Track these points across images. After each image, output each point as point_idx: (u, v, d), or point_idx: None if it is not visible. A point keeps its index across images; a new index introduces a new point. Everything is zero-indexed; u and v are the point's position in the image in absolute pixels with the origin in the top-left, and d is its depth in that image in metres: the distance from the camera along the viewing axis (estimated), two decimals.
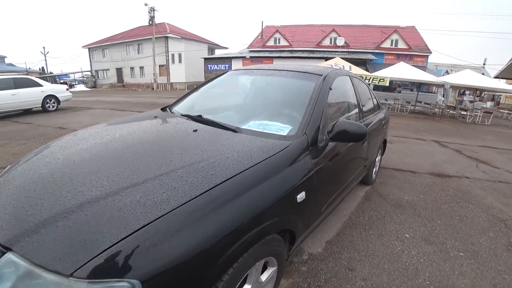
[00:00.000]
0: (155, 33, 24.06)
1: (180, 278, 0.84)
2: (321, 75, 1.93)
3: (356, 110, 2.36)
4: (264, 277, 1.32)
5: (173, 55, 26.59)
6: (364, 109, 2.57)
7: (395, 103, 13.34)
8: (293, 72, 2.09)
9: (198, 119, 1.73)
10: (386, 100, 14.13)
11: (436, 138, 6.77)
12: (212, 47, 30.64)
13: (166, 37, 25.86)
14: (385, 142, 3.44)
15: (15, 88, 7.60)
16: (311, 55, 20.40)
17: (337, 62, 13.09)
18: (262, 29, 24.57)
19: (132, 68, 29.45)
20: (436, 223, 2.49)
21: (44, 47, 36.15)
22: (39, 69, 35.90)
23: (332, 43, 22.14)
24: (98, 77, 32.27)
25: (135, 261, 0.76)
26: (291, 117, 1.68)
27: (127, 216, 0.86)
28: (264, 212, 1.10)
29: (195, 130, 1.53)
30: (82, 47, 32.83)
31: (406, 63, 14.41)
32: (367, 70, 16.82)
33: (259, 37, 24.29)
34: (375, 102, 3.10)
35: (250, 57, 21.25)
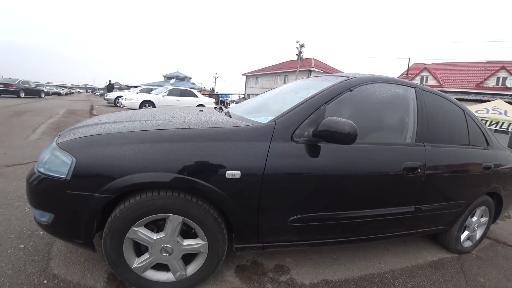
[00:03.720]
0: (300, 66, 26.55)
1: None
2: (348, 77, 1.61)
3: (412, 128, 1.72)
4: (187, 242, 1.30)
5: None
6: (438, 134, 1.83)
7: None
8: (332, 76, 1.86)
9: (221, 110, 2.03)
10: None
11: None
12: None
13: (310, 71, 27.83)
14: (498, 198, 2.19)
15: (180, 96, 10.54)
16: (466, 97, 15.85)
17: (497, 106, 9.62)
18: (408, 66, 22.13)
19: None
20: None
21: (216, 72, 48.27)
22: (210, 89, 47.84)
23: (500, 84, 16.43)
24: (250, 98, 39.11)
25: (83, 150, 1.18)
26: None
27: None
28: (188, 165, 1.17)
29: (201, 110, 1.86)
30: (242, 74, 41.10)
31: None
32: None
33: (404, 75, 22.02)
34: (479, 136, 2.11)
35: None
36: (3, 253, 1.51)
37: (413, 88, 1.81)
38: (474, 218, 2.14)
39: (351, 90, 1.52)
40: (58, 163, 1.18)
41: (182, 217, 1.22)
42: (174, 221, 1.22)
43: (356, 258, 1.89)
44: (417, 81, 20.63)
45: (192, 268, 1.34)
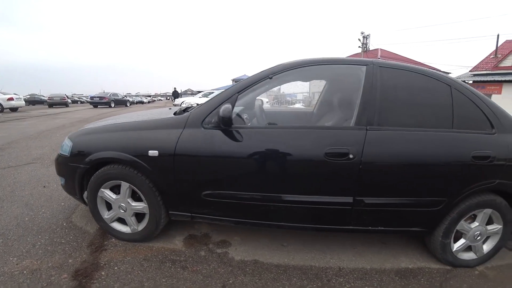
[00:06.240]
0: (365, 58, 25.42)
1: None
2: (275, 66, 1.93)
3: (356, 111, 1.80)
4: (135, 204, 1.96)
5: None
6: (396, 115, 1.82)
7: None
8: None
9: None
10: None
11: None
12: None
13: None
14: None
15: None
16: None
17: None
18: (497, 45, 19.14)
19: None
20: None
21: None
22: (277, 89, 49.95)
23: None
24: (314, 97, 39.08)
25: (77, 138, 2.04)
26: None
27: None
28: (127, 146, 1.87)
29: (170, 109, 2.57)
30: None
31: None
32: None
33: (491, 56, 19.13)
34: (476, 116, 1.86)
35: (474, 81, 17.95)
36: (50, 207, 2.62)
37: (364, 66, 1.85)
38: (475, 224, 1.91)
39: (270, 78, 1.83)
40: (66, 146, 2.07)
41: (129, 184, 1.89)
42: (124, 186, 1.91)
43: (307, 248, 2.09)
44: (508, 62, 17.42)
45: (142, 226, 2.00)
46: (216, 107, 1.79)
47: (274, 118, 2.59)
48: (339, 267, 1.91)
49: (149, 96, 63.56)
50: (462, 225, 1.91)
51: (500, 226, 1.94)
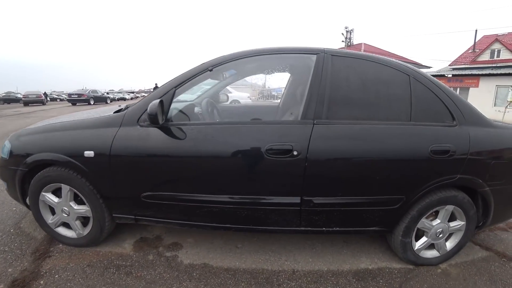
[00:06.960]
0: None
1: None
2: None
3: (303, 102, 1.74)
4: (77, 207, 1.91)
5: None
6: (348, 108, 1.77)
7: None
8: None
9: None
10: None
11: None
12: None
13: None
14: (481, 196, 1.87)
15: None
16: None
17: None
18: (475, 40, 21.06)
19: None
20: None
21: (265, 70, 51.46)
22: (262, 84, 50.98)
23: None
24: None
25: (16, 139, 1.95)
26: None
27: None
28: (64, 147, 1.82)
29: (119, 106, 2.46)
30: None
31: None
32: None
33: (470, 50, 20.95)
34: (436, 108, 1.81)
35: (453, 75, 19.02)
36: (1, 212, 2.55)
37: (314, 55, 1.77)
38: (436, 221, 1.87)
39: (210, 70, 1.76)
40: (5, 148, 2.00)
41: (69, 187, 1.82)
42: (65, 189, 1.85)
43: (262, 250, 2.04)
44: (485, 56, 19.45)
45: (87, 230, 1.94)
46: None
47: (234, 114, 2.53)
48: (293, 269, 1.87)
49: (132, 92, 63.06)
50: (423, 223, 1.87)
51: (463, 223, 1.91)
